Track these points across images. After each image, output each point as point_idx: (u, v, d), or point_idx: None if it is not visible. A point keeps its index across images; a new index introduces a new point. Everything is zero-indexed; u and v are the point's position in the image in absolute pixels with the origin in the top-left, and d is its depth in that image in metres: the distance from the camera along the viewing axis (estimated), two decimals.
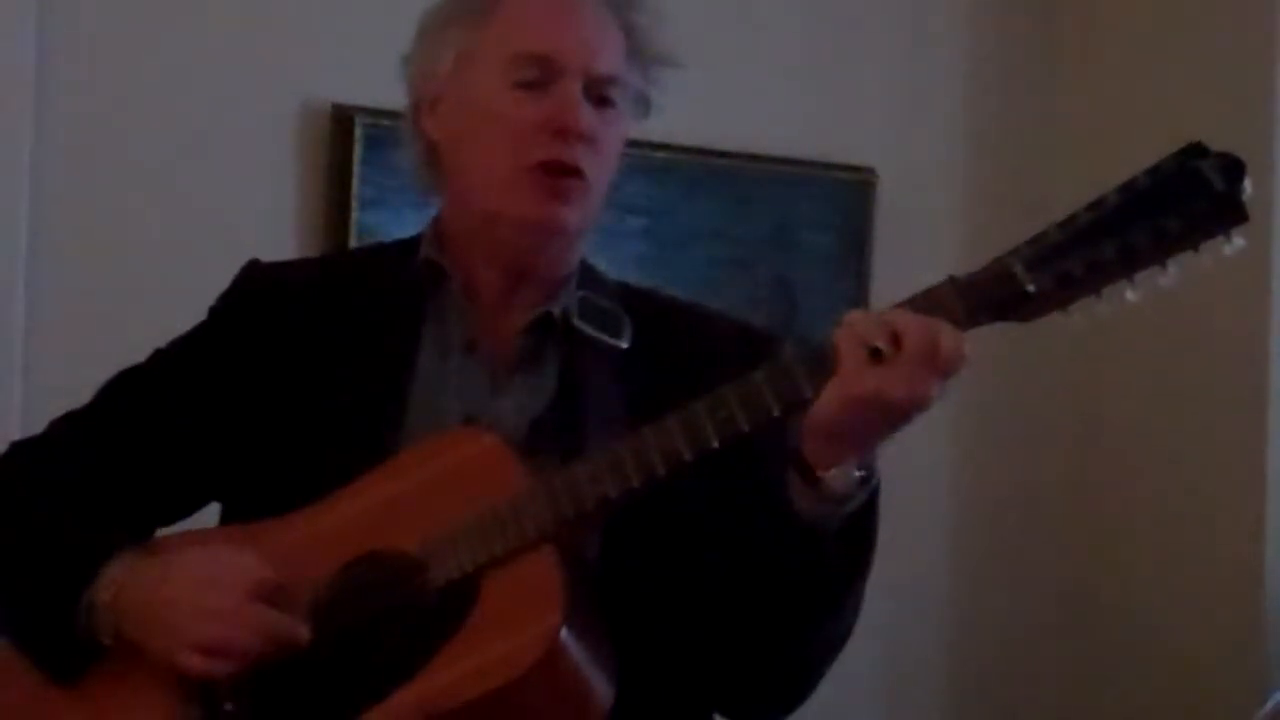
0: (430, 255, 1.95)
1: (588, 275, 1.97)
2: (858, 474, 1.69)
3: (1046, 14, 3.93)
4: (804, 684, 1.88)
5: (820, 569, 1.74)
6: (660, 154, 3.31)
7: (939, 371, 1.63)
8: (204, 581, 1.82)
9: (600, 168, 1.90)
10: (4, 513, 1.96)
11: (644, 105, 1.96)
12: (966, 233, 3.80)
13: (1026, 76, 3.93)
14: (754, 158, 3.56)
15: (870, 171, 3.70)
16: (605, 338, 1.92)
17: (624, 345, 1.92)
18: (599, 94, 1.89)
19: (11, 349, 2.87)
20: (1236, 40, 3.70)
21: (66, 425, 2.02)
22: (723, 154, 3.51)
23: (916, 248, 3.69)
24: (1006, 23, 3.90)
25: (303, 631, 1.79)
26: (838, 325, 1.67)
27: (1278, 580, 3.63)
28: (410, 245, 1.99)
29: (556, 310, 1.92)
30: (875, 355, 1.63)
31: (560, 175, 1.87)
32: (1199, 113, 3.62)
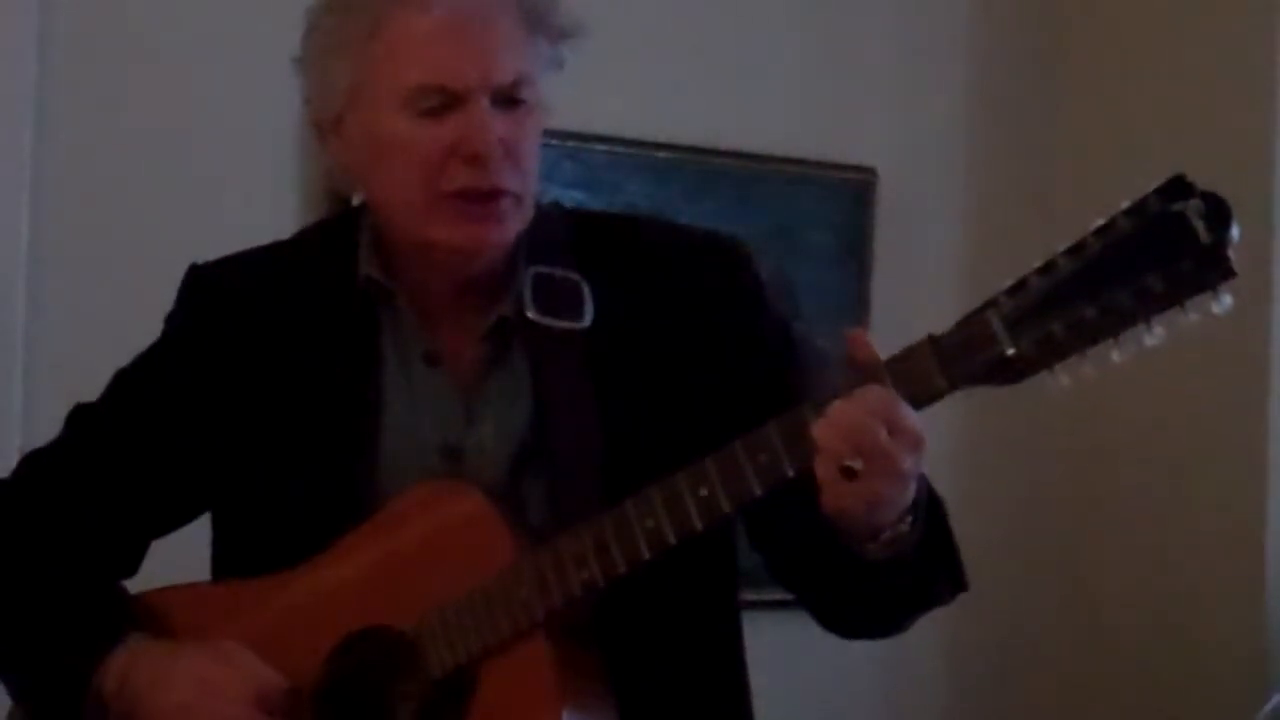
0: (371, 273, 1.90)
1: (535, 239, 1.89)
2: (905, 528, 1.69)
3: (1048, 13, 3.92)
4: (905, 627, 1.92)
5: (904, 593, 1.78)
6: (661, 154, 3.30)
7: (911, 450, 1.63)
8: (209, 688, 1.80)
9: (523, 172, 1.83)
10: None
11: (557, 65, 1.87)
12: (967, 232, 3.80)
13: (1027, 76, 3.92)
14: (754, 157, 3.55)
15: (871, 171, 3.69)
16: (565, 324, 1.85)
17: (585, 325, 1.85)
18: (506, 98, 1.82)
19: (12, 349, 2.87)
20: (1239, 41, 3.70)
21: (39, 464, 2.00)
22: (723, 153, 3.50)
23: (917, 247, 3.69)
24: (1007, 22, 3.90)
25: None
26: (811, 437, 1.63)
27: (1278, 580, 3.62)
28: (347, 243, 1.92)
29: (510, 311, 1.86)
30: (849, 474, 1.61)
31: (481, 200, 1.81)
32: (1201, 113, 3.61)
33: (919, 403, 1.64)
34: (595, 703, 1.75)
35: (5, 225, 2.87)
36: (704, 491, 1.67)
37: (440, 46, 1.80)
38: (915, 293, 3.63)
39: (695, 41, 3.46)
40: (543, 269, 1.87)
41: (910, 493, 1.68)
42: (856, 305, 3.65)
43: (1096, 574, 3.86)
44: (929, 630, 3.80)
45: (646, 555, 1.70)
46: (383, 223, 1.89)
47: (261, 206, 3.06)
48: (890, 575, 1.72)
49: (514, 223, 1.84)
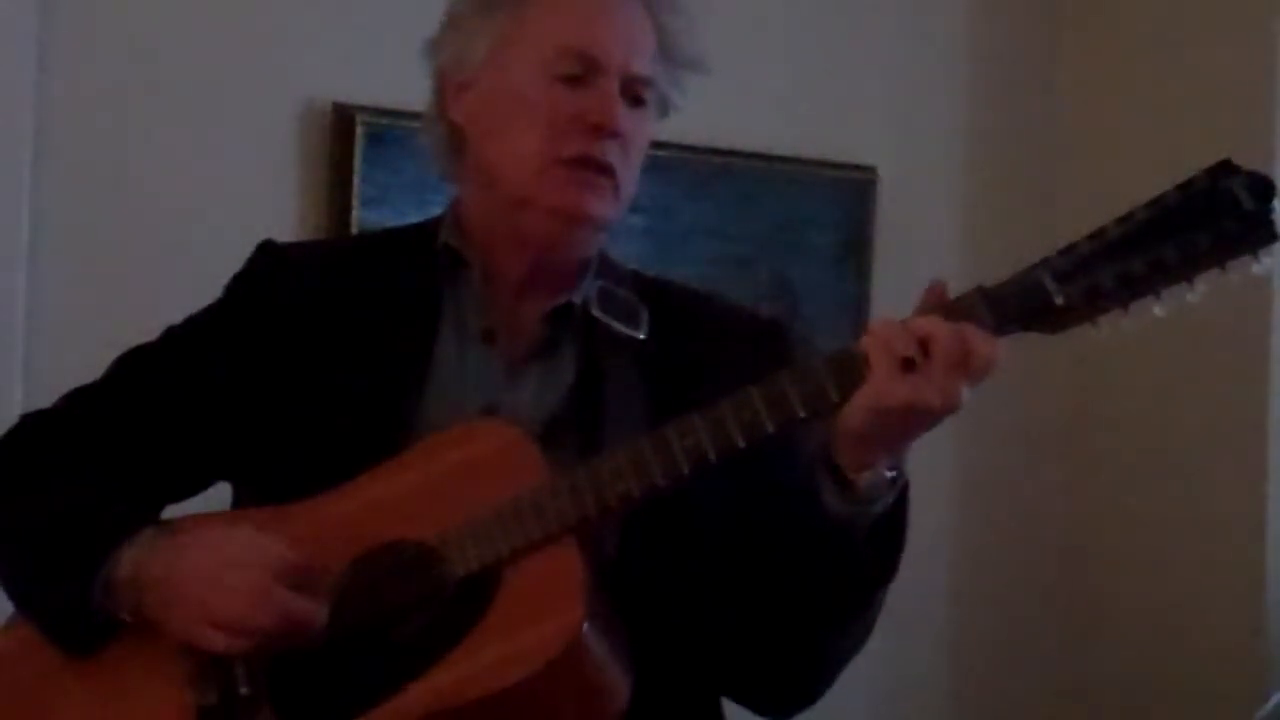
0: (450, 241, 1.96)
1: (604, 264, 1.98)
2: (888, 474, 1.72)
3: (1047, 13, 3.93)
4: (826, 679, 1.89)
5: (851, 569, 1.76)
6: (661, 152, 3.26)
7: (971, 377, 1.66)
8: (227, 558, 1.81)
9: (629, 166, 1.92)
10: (19, 486, 1.97)
11: (665, 107, 1.97)
12: (967, 231, 3.80)
13: (1027, 75, 3.93)
14: (755, 156, 3.56)
15: (871, 170, 3.70)
16: (623, 328, 1.93)
17: (641, 336, 1.93)
18: (633, 93, 1.91)
19: (12, 349, 2.87)
20: (1238, 40, 3.70)
21: (79, 399, 2.02)
22: (724, 152, 3.51)
23: (917, 246, 3.69)
24: (1007, 22, 3.90)
25: (321, 615, 1.79)
26: (866, 333, 1.69)
27: (1278, 580, 3.63)
28: (427, 230, 1.99)
29: (577, 300, 1.93)
30: (908, 365, 1.65)
31: (591, 170, 1.88)
32: (1201, 113, 3.62)
33: None
34: (611, 626, 1.75)
35: (5, 225, 2.87)
36: (747, 414, 1.71)
37: (593, 18, 1.92)
38: (915, 293, 3.61)
39: None
40: (609, 284, 1.96)
41: (908, 448, 1.72)
42: (856, 305, 3.65)
43: (1096, 574, 3.87)
44: (929, 630, 3.83)
45: (686, 470, 1.72)
46: (478, 194, 1.95)
47: (263, 207, 3.06)
48: (844, 542, 1.73)
49: (611, 206, 1.91)
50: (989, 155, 3.87)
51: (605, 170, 1.89)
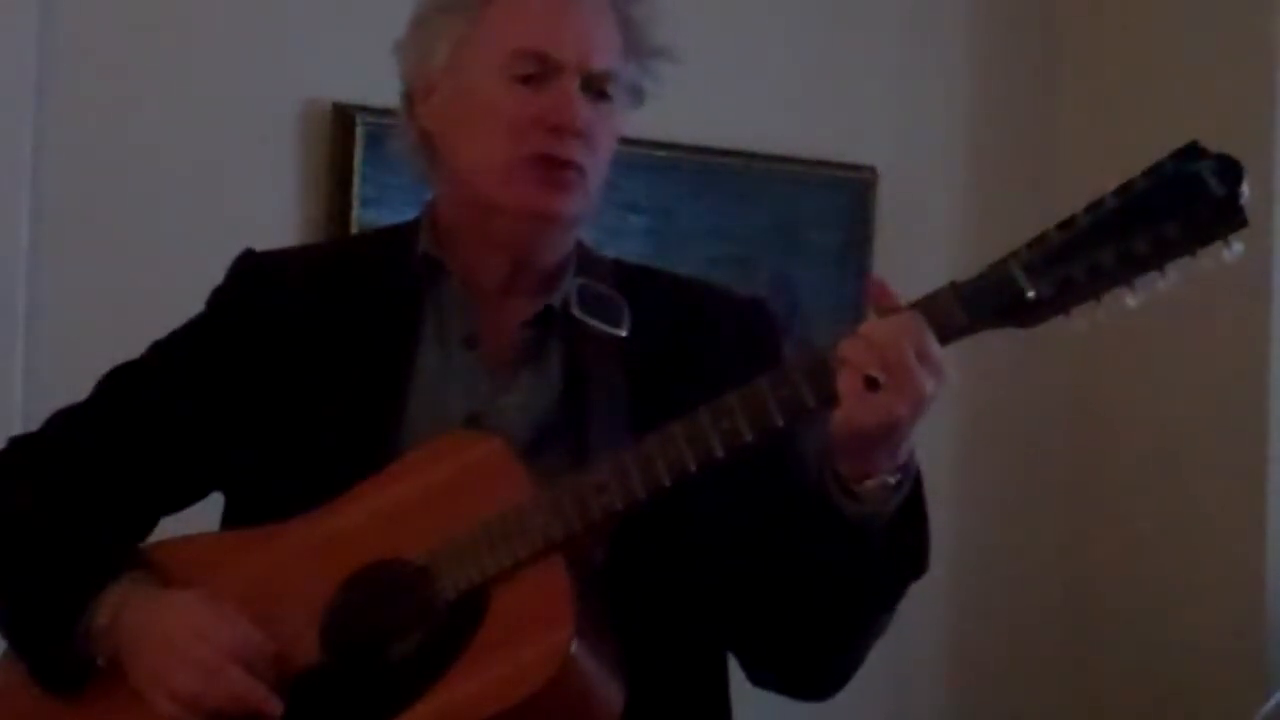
0: (428, 249, 1.95)
1: (584, 259, 1.97)
2: (891, 480, 1.73)
3: (1047, 13, 3.93)
4: (859, 661, 1.91)
5: (873, 566, 1.77)
6: (661, 152, 3.31)
7: (931, 374, 1.67)
8: (192, 628, 1.82)
9: (595, 161, 1.91)
10: (5, 519, 1.96)
11: (638, 96, 1.96)
12: (967, 231, 3.80)
13: (1027, 75, 3.93)
14: (755, 156, 3.56)
15: (871, 170, 3.70)
16: (605, 327, 1.92)
17: (623, 334, 1.92)
18: (595, 89, 1.90)
19: (12, 349, 2.87)
20: (1238, 40, 3.70)
21: (66, 421, 2.02)
22: (724, 152, 3.51)
23: (917, 246, 3.69)
24: (1008, 21, 3.90)
25: (274, 707, 1.78)
26: (836, 354, 1.69)
27: (1278, 580, 3.63)
28: (407, 234, 1.98)
29: (557, 303, 1.93)
30: (872, 384, 1.66)
31: (555, 168, 1.87)
32: (1200, 112, 3.61)
33: (940, 338, 1.69)
34: (602, 639, 1.75)
35: (5, 225, 2.87)
36: (726, 424, 1.71)
37: (548, 18, 1.90)
38: (915, 293, 3.61)
39: (695, 40, 3.45)
40: (589, 282, 1.95)
41: (908, 447, 1.73)
42: (856, 305, 3.65)
43: (1096, 574, 3.86)
44: (929, 630, 3.83)
45: (667, 482, 1.73)
46: (450, 196, 1.95)
47: (262, 207, 3.06)
48: (860, 542, 1.74)
49: (578, 201, 1.90)
50: (989, 155, 3.87)
51: (570, 166, 1.88)
